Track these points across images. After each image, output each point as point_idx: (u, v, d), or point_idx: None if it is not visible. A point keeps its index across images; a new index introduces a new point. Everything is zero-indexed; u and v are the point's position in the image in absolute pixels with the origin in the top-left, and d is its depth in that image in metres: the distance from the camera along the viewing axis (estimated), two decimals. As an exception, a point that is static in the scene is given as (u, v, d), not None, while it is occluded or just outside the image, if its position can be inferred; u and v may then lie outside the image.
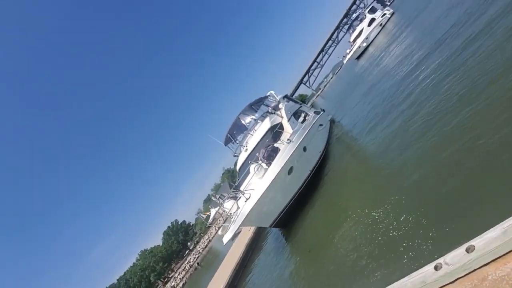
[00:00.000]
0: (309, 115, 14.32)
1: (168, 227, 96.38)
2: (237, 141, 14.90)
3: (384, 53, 20.46)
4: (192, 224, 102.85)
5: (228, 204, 9.61)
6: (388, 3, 71.01)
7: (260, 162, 9.95)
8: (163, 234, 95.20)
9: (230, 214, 9.28)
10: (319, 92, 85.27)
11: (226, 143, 14.59)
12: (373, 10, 45.71)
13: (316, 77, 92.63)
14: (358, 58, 42.55)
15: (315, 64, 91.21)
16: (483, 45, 6.48)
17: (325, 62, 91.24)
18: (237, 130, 14.98)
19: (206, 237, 78.75)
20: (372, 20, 42.93)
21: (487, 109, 4.66)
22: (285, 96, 16.73)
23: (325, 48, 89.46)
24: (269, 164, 9.86)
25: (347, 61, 53.43)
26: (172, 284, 60.33)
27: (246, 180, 10.51)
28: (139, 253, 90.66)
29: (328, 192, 9.31)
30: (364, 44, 41.65)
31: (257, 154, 10.50)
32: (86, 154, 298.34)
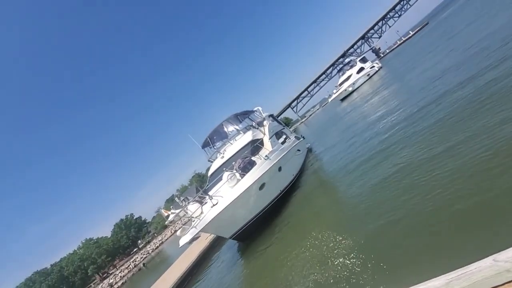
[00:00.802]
0: (290, 138, 14.32)
1: (122, 219, 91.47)
2: (215, 147, 14.60)
3: (365, 102, 21.43)
4: (148, 222, 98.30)
5: (193, 207, 9.34)
6: (382, 55, 75.52)
7: (235, 171, 9.72)
8: (114, 226, 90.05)
9: (193, 217, 8.99)
10: (303, 120, 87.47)
11: (203, 146, 14.22)
12: (364, 60, 48.65)
13: (304, 105, 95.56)
14: (342, 100, 44.43)
15: (306, 92, 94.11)
16: (453, 111, 7.07)
17: (314, 93, 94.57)
18: (218, 136, 14.74)
19: (160, 238, 75.26)
20: (361, 69, 45.75)
21: (449, 166, 5.00)
22: (271, 115, 16.73)
23: (317, 80, 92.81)
24: (243, 175, 9.66)
25: (332, 100, 56.13)
26: (111, 281, 56.65)
27: (216, 186, 10.24)
28: (83, 241, 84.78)
29: (292, 215, 9.43)
30: (350, 89, 43.31)
31: (233, 163, 10.19)
32: (55, 129, 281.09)
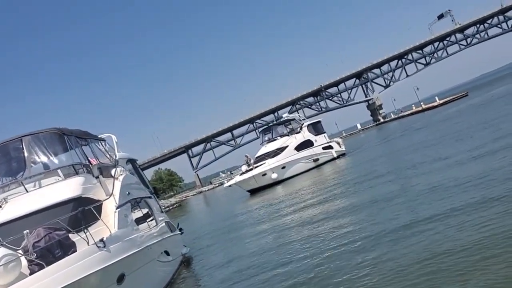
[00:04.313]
0: (156, 220, 9.14)
1: None
2: None
3: (296, 214, 10.93)
4: None
5: None
6: (381, 119, 51.03)
7: (21, 253, 5.21)
8: None
9: None
10: (204, 188, 59.80)
11: None
12: (316, 128, 27.76)
13: (209, 164, 64.02)
14: (251, 192, 23.20)
15: (228, 135, 66.95)
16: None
17: (239, 145, 66.16)
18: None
19: None
20: (306, 143, 25.69)
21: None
22: (131, 161, 10.85)
23: (254, 121, 63.85)
24: (39, 268, 5.03)
25: (232, 184, 25.51)
26: None
27: None
28: None
29: None
30: (274, 176, 22.83)
31: (26, 233, 5.53)
32: None
